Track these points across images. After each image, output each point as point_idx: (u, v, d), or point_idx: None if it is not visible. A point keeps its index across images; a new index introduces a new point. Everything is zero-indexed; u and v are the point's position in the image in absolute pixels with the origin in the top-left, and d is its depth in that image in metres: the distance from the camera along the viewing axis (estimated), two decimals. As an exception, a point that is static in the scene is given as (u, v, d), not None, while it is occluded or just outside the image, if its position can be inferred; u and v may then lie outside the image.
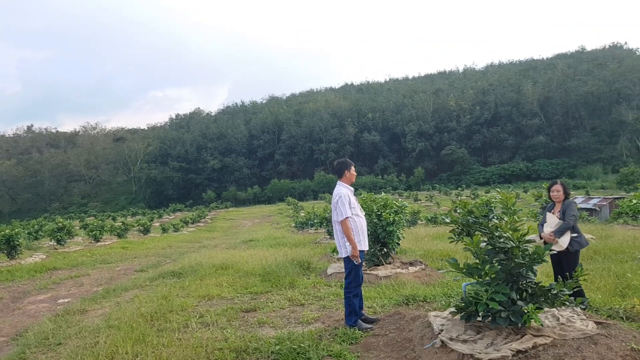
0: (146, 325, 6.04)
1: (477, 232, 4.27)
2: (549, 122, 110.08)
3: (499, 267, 4.11)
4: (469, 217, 4.38)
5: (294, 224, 31.20)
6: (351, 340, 5.03)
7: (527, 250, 4.09)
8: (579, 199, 48.91)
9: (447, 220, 4.51)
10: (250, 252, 13.40)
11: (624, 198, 30.78)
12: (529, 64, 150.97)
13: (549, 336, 3.94)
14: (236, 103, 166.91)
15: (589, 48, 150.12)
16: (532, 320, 3.95)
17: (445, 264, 9.31)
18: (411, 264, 8.56)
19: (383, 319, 5.75)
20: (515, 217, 4.30)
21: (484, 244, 4.21)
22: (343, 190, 5.39)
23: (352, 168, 5.62)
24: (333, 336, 5.18)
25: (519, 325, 4.08)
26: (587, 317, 4.55)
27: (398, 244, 8.26)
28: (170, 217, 61.58)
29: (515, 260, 4.05)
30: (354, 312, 5.43)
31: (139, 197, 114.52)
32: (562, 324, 4.29)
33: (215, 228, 40.59)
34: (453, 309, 4.53)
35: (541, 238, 6.02)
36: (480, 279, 4.19)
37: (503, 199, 4.43)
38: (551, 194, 6.16)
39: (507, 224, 4.12)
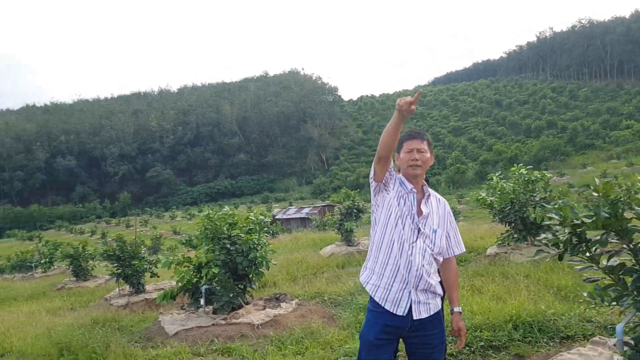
0: None
1: None
2: (247, 140, 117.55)
3: None
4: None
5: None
6: None
7: None
8: (291, 210, 52.97)
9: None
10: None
11: (334, 206, 34.08)
12: (222, 87, 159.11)
13: None
14: None
15: (271, 73, 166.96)
16: None
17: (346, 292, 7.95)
18: (277, 298, 6.57)
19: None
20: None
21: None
22: None
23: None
24: None
25: None
26: None
27: (262, 274, 6.30)
28: None
29: None
30: None
31: None
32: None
33: None
34: None
35: None
36: None
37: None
38: None
39: None
